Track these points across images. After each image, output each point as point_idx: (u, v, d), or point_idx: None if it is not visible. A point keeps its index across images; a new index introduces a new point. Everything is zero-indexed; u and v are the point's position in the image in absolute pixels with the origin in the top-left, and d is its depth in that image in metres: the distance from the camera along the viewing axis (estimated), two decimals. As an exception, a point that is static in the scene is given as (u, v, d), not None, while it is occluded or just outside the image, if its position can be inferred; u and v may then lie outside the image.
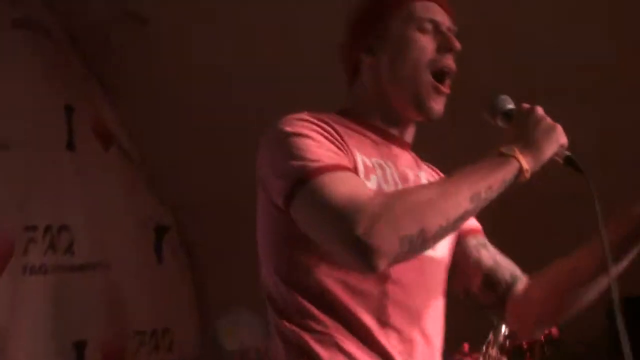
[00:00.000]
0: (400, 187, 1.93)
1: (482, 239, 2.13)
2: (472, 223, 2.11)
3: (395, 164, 1.98)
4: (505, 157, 1.80)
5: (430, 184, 1.94)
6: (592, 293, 1.98)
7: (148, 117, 4.98)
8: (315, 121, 1.90)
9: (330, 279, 1.85)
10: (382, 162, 1.95)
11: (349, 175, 1.82)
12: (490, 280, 2.07)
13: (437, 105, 1.98)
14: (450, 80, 2.00)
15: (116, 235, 4.95)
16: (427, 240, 1.74)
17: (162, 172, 5.19)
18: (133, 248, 5.08)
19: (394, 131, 2.04)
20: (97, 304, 4.75)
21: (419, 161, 2.11)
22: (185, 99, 4.70)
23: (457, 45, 1.99)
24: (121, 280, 4.91)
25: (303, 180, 1.79)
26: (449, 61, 1.99)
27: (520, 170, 1.80)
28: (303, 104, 1.99)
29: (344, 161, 1.85)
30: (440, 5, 2.03)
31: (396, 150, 2.02)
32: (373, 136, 2.00)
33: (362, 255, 1.71)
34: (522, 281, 2.07)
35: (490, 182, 1.77)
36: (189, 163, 4.96)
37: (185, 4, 4.40)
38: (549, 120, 1.87)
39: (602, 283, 1.95)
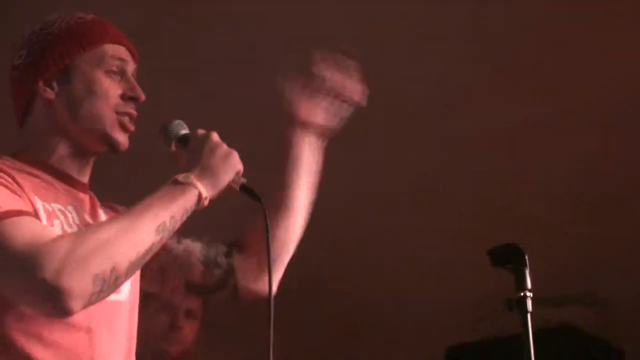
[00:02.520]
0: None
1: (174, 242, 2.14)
2: None
3: (77, 210, 1.94)
4: (183, 186, 1.84)
5: (114, 219, 1.85)
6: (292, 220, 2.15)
7: None
8: None
9: (19, 332, 1.79)
10: (62, 207, 1.91)
11: (32, 220, 1.77)
12: (208, 259, 2.15)
13: (122, 137, 1.97)
14: (134, 121, 1.99)
15: None
16: (120, 276, 1.74)
17: None
18: None
19: (73, 172, 1.98)
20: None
21: (97, 203, 2.05)
22: None
23: (141, 96, 1.99)
24: None
25: None
26: (132, 110, 1.98)
27: (200, 197, 1.85)
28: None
29: (25, 207, 1.80)
30: (128, 49, 2.02)
31: (78, 194, 1.98)
32: (50, 179, 1.94)
33: (51, 299, 1.68)
34: (236, 243, 2.17)
35: (173, 212, 1.81)
36: None
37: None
38: (224, 146, 1.92)
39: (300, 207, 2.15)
